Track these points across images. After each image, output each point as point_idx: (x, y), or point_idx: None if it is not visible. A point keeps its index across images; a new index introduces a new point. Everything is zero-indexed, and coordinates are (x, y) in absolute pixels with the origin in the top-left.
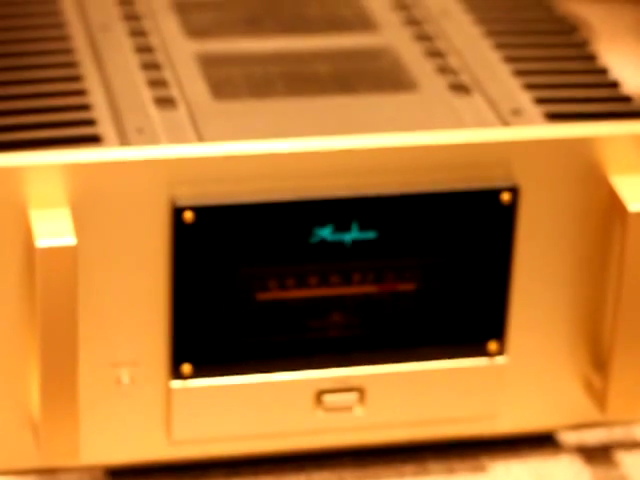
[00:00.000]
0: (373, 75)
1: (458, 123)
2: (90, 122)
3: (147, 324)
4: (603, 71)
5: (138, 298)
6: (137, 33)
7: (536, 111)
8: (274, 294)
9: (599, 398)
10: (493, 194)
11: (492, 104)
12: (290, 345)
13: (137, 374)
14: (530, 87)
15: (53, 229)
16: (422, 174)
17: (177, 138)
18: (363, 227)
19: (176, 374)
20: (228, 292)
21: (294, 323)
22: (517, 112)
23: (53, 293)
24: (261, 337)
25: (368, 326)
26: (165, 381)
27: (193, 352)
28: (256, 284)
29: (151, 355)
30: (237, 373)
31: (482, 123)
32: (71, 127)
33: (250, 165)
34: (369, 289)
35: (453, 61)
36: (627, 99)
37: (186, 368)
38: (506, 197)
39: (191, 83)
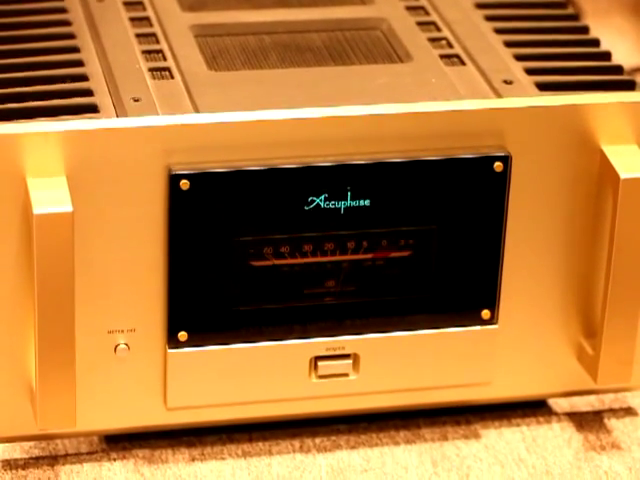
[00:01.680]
0: (367, 46)
1: (451, 93)
2: (87, 92)
3: (143, 291)
4: (594, 42)
5: (134, 266)
6: (133, 4)
7: (528, 81)
8: (269, 261)
9: (591, 365)
10: (486, 162)
11: (484, 74)
12: (285, 312)
13: (133, 341)
14: (521, 58)
15: (50, 197)
16: (416, 143)
17: (173, 108)
18: (357, 195)
19: (172, 341)
20: (223, 260)
21: (289, 290)
22: (509, 82)
23: (50, 260)
24: (256, 304)
25: (362, 293)
26: (161, 348)
27: (189, 320)
28: (251, 251)
29: (147, 322)
30: (232, 341)
31: (475, 93)
32: (68, 97)
33: (245, 134)
34: (363, 256)
35: (446, 32)
36: (618, 69)
37: (182, 335)
38: (499, 165)
39: (186, 54)
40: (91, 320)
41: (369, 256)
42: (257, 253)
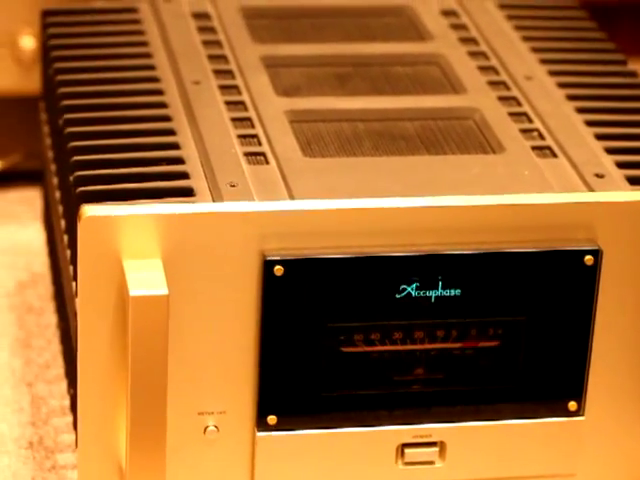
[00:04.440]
0: (460, 135)
1: (543, 185)
2: (183, 175)
3: (234, 374)
4: None
5: (227, 348)
6: (228, 88)
7: (619, 175)
8: (359, 348)
9: None
10: (577, 255)
11: (576, 167)
12: (373, 399)
13: (223, 423)
14: (613, 151)
15: (146, 279)
16: (507, 234)
17: (268, 193)
18: (448, 284)
19: (261, 425)
20: (314, 345)
21: (378, 377)
22: (600, 175)
23: (144, 342)
24: (345, 390)
25: (450, 382)
26: (250, 431)
27: (279, 403)
28: (342, 338)
29: (237, 405)
30: (321, 425)
31: (567, 186)
32: (165, 180)
33: (338, 221)
34: (452, 345)
35: (538, 124)
36: None
37: (271, 419)
38: (589, 259)
39: (281, 139)
40: (182, 401)
41: (458, 345)
42: (348, 339)
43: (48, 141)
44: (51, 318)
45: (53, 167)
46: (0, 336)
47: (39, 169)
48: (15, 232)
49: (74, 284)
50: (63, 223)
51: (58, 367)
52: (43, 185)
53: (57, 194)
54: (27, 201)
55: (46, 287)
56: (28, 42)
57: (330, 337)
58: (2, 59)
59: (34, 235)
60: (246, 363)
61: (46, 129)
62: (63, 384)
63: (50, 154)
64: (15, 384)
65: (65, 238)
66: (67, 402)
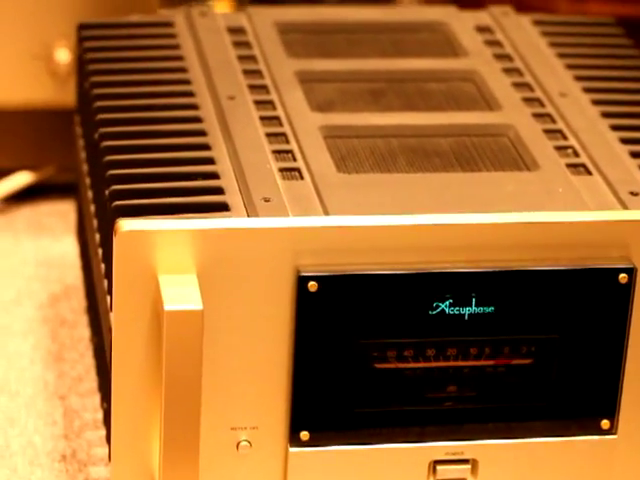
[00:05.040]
0: (494, 152)
1: (578, 203)
2: (218, 190)
3: (268, 390)
4: None
5: (260, 363)
6: (263, 103)
7: None
8: (392, 364)
9: None
10: (611, 274)
11: (610, 185)
12: (406, 415)
13: (255, 439)
14: None
15: (181, 294)
16: (541, 252)
17: (303, 209)
18: (482, 301)
19: (294, 440)
20: (347, 361)
21: (410, 394)
22: (635, 193)
23: (179, 356)
24: (378, 407)
25: (482, 399)
26: (282, 447)
27: (311, 419)
28: (374, 354)
29: (270, 420)
30: (353, 442)
31: (601, 204)
32: (200, 194)
33: (373, 237)
34: (485, 363)
35: (572, 141)
36: None
37: (304, 435)
38: (624, 277)
39: (316, 155)
40: (215, 416)
41: (491, 362)
42: (381, 356)
43: (83, 155)
44: (84, 331)
45: (88, 181)
46: (33, 349)
47: (72, 182)
48: (48, 245)
49: (108, 298)
50: (98, 237)
51: (91, 380)
52: (77, 198)
53: (92, 208)
54: (60, 214)
55: (79, 300)
56: (63, 55)
57: (363, 353)
58: (37, 71)
59: (67, 248)
60: (279, 378)
61: (81, 142)
62: (96, 397)
63: (85, 168)
64: (48, 397)
65: (100, 252)
66: (100, 415)
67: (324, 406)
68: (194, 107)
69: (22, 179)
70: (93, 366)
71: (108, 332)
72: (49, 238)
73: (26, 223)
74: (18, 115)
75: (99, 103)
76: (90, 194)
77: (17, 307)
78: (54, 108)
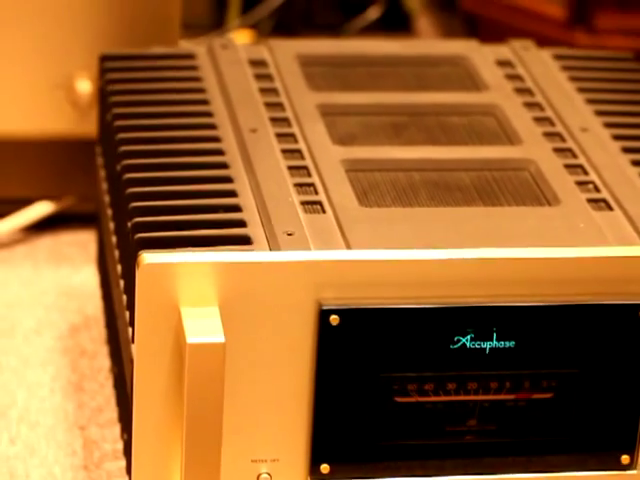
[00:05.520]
0: (515, 187)
1: (599, 238)
2: (240, 223)
3: (288, 422)
4: None
5: (281, 396)
6: (285, 136)
7: None
8: (412, 398)
9: None
10: (631, 309)
11: (632, 220)
12: (426, 449)
13: (276, 471)
14: None
15: (203, 327)
16: (562, 286)
17: (325, 243)
18: (503, 336)
19: (314, 473)
20: (368, 394)
21: (431, 427)
22: None
23: (200, 388)
24: (398, 440)
25: (502, 433)
26: (303, 479)
27: (332, 452)
28: (395, 387)
29: (290, 453)
30: (373, 475)
31: (622, 239)
32: (222, 227)
33: (395, 271)
34: (505, 397)
35: (593, 176)
36: None
37: (324, 468)
38: None
39: (337, 188)
40: (236, 448)
41: (511, 397)
42: (401, 389)
43: (104, 186)
44: (104, 362)
45: (109, 212)
46: (53, 379)
47: (92, 212)
48: (68, 275)
49: (130, 329)
50: (119, 268)
51: (111, 411)
52: (97, 228)
53: (113, 239)
54: (80, 244)
55: (99, 330)
56: (84, 86)
57: (384, 387)
58: (58, 102)
59: (87, 278)
60: (300, 411)
61: (102, 173)
62: (116, 428)
63: (106, 199)
64: (68, 427)
65: (121, 283)
66: (120, 446)
67: (344, 439)
68: (216, 139)
69: (43, 209)
70: (113, 396)
71: (130, 363)
72: (69, 268)
73: (46, 253)
74: (39, 145)
75: (121, 135)
76: (112, 225)
77: (37, 337)
78: (75, 138)
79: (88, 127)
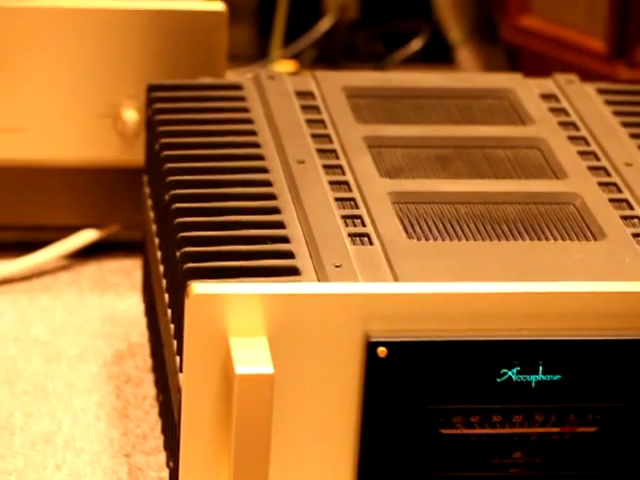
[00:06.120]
0: (561, 221)
1: None
2: (288, 254)
3: (335, 453)
4: None
5: (327, 427)
6: (332, 167)
7: None
8: (458, 430)
9: None
10: None
11: None
12: None
13: None
14: None
15: (252, 357)
16: (607, 321)
17: (373, 275)
18: (549, 370)
19: None
20: (414, 426)
21: (476, 460)
22: None
23: (249, 418)
24: (443, 472)
25: (548, 466)
26: None
27: None
28: (441, 420)
29: None
30: None
31: None
32: (270, 258)
33: (442, 304)
34: (551, 430)
35: (638, 210)
36: None
37: None
38: None
39: (385, 220)
40: (283, 479)
41: (556, 430)
42: (447, 421)
43: (151, 214)
44: (148, 389)
45: (156, 241)
46: (98, 406)
47: (137, 240)
48: (113, 302)
49: (178, 358)
50: (167, 297)
51: (155, 438)
52: (143, 257)
53: (160, 268)
54: (125, 271)
55: (144, 358)
56: (131, 115)
57: (430, 419)
58: (105, 130)
59: (132, 306)
60: (346, 442)
61: (149, 202)
62: (161, 455)
63: (153, 227)
64: (113, 454)
65: (169, 312)
66: (165, 474)
67: (390, 470)
68: (264, 170)
69: (88, 236)
70: (157, 424)
71: (177, 392)
72: (114, 295)
73: (91, 280)
74: (85, 173)
75: (169, 165)
76: (159, 254)
77: (82, 364)
78: (120, 167)
79: (134, 156)
